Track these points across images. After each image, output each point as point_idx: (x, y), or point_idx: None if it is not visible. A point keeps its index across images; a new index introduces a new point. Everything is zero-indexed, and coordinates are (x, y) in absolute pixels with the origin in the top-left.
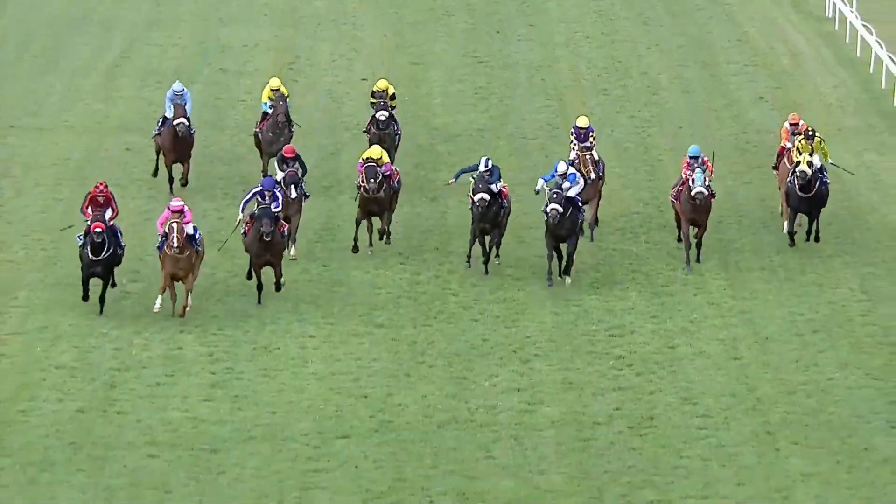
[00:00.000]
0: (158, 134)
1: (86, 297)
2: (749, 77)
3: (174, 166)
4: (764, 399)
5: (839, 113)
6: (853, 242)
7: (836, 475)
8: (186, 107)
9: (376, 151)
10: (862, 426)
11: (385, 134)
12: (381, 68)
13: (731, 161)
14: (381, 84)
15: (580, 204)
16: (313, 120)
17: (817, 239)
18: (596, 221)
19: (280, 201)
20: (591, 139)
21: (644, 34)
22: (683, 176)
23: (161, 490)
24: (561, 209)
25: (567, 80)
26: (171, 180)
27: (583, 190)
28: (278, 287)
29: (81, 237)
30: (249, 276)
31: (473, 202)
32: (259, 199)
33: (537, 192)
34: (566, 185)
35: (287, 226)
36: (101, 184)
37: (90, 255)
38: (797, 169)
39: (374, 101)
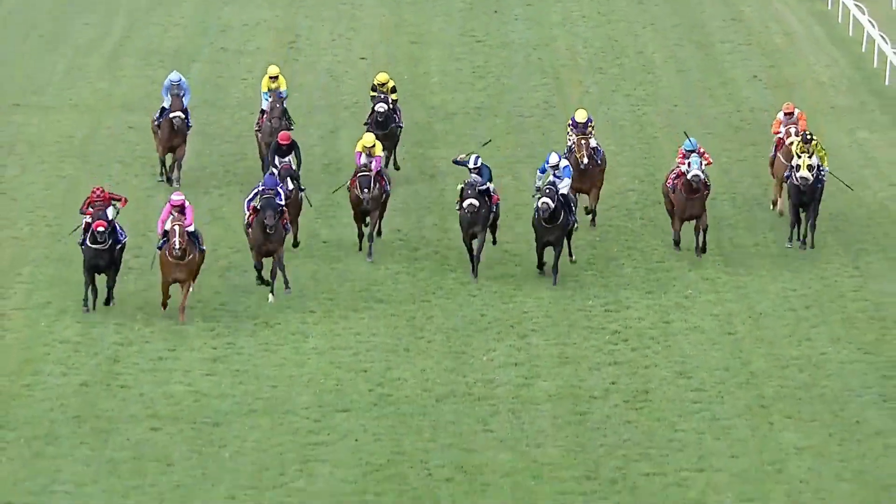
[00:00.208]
0: (157, 125)
1: (85, 304)
2: (743, 56)
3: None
4: (757, 373)
5: (832, 91)
6: (845, 219)
7: (829, 448)
8: (185, 97)
9: (370, 140)
10: (854, 400)
11: (385, 133)
12: (380, 47)
13: (725, 139)
14: (382, 77)
15: (573, 205)
16: (313, 98)
17: (810, 234)
18: (594, 211)
19: (283, 197)
20: (589, 131)
21: (639, 14)
22: (678, 169)
23: (164, 463)
24: (552, 203)
25: (563, 58)
26: (163, 170)
27: (580, 176)
28: (278, 278)
29: (82, 234)
30: (259, 279)
31: (462, 208)
32: (261, 197)
33: (538, 190)
34: (560, 182)
35: (288, 220)
36: (98, 189)
37: (91, 246)
38: (798, 175)
39: (374, 94)
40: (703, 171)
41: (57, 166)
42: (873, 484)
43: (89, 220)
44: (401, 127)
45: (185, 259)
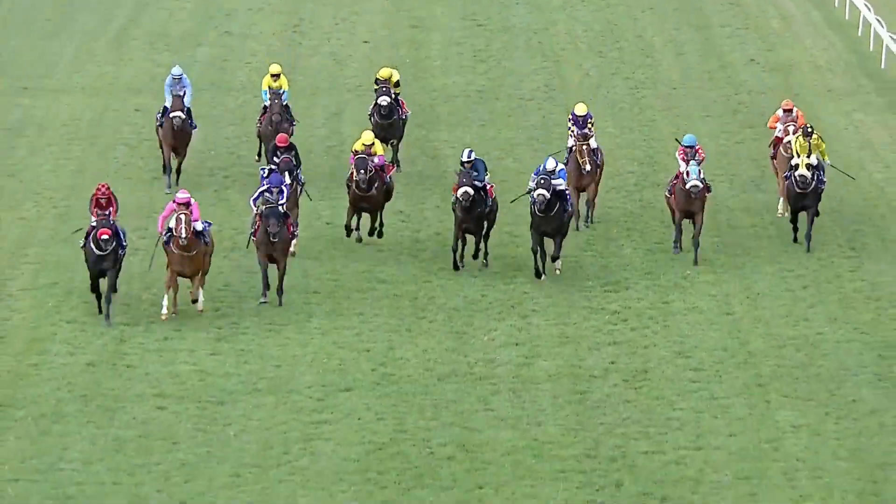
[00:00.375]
0: (160, 125)
1: (100, 306)
2: (741, 40)
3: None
4: (755, 353)
5: (828, 74)
6: (841, 200)
7: (825, 426)
8: (186, 92)
9: (368, 137)
10: (850, 379)
11: (389, 124)
12: (383, 31)
13: (723, 121)
14: (384, 72)
15: (569, 199)
16: (317, 80)
17: (805, 237)
18: (592, 211)
19: (286, 195)
20: (589, 126)
21: None
22: (680, 165)
23: (169, 441)
24: (548, 195)
25: (563, 42)
26: (166, 169)
27: (580, 176)
28: (279, 288)
29: (84, 239)
30: (265, 288)
31: (456, 197)
32: (267, 195)
33: (530, 191)
34: (556, 179)
35: (294, 229)
36: (103, 185)
37: (95, 251)
38: (797, 174)
39: (377, 87)
40: (701, 180)
41: (64, 148)
42: (869, 462)
43: (94, 224)
44: (405, 119)
45: (191, 251)
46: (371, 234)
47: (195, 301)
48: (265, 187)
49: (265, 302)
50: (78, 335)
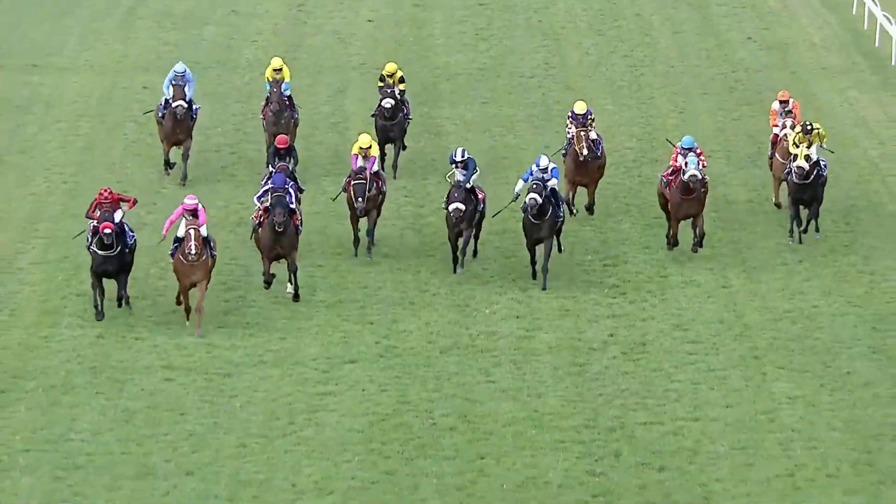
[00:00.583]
0: (162, 117)
1: (97, 310)
2: (738, 18)
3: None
4: (751, 325)
5: (823, 52)
6: (836, 176)
7: (820, 398)
8: (188, 88)
9: (366, 141)
10: (844, 351)
11: (393, 124)
12: (386, 10)
13: (720, 99)
14: (390, 67)
15: (562, 204)
16: (321, 59)
17: (817, 230)
18: (592, 208)
19: (293, 197)
20: (589, 124)
21: None
22: (673, 165)
23: (177, 412)
24: (540, 199)
25: (563, 21)
26: (168, 164)
27: (579, 169)
28: (292, 281)
29: (89, 237)
30: (267, 285)
31: (448, 211)
32: (271, 195)
33: (516, 198)
34: (549, 178)
35: (299, 221)
36: (106, 190)
37: (99, 252)
38: (794, 164)
39: (382, 85)
40: (700, 171)
41: (73, 125)
42: (863, 432)
43: (96, 224)
44: (409, 119)
45: (199, 260)
46: (369, 234)
47: (198, 311)
48: (269, 187)
49: (269, 287)
50: (87, 308)
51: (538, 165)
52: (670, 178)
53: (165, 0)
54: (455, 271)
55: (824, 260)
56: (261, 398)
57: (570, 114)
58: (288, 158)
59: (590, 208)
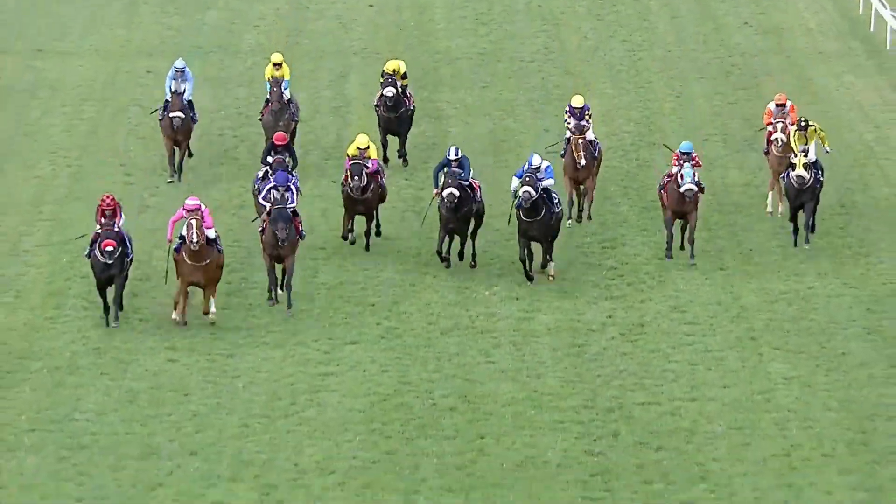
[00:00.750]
0: (161, 119)
1: (107, 309)
2: (735, 3)
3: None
4: (748, 307)
5: (820, 37)
6: (832, 160)
7: (815, 378)
8: (187, 89)
9: (363, 141)
10: (839, 332)
11: (396, 116)
12: None
13: (717, 83)
14: (392, 65)
15: (556, 201)
16: (323, 44)
17: (812, 230)
18: (586, 211)
19: (294, 195)
20: (586, 118)
21: None
22: (672, 170)
23: (180, 392)
24: (533, 192)
25: (563, 5)
26: (172, 165)
27: (575, 172)
28: (288, 285)
29: (88, 248)
30: (273, 286)
31: (442, 197)
32: (274, 193)
33: (515, 194)
34: (542, 177)
35: (301, 225)
36: (108, 197)
37: (101, 261)
38: (794, 174)
39: (382, 79)
40: (696, 185)
41: (78, 109)
42: (858, 412)
43: (98, 233)
44: (412, 111)
45: (203, 260)
46: (368, 235)
47: (206, 313)
48: (272, 185)
49: (274, 302)
50: (92, 290)
51: (530, 164)
52: (668, 179)
53: None
54: (448, 263)
55: (820, 242)
56: (263, 379)
57: (567, 108)
58: (286, 156)
59: (587, 205)
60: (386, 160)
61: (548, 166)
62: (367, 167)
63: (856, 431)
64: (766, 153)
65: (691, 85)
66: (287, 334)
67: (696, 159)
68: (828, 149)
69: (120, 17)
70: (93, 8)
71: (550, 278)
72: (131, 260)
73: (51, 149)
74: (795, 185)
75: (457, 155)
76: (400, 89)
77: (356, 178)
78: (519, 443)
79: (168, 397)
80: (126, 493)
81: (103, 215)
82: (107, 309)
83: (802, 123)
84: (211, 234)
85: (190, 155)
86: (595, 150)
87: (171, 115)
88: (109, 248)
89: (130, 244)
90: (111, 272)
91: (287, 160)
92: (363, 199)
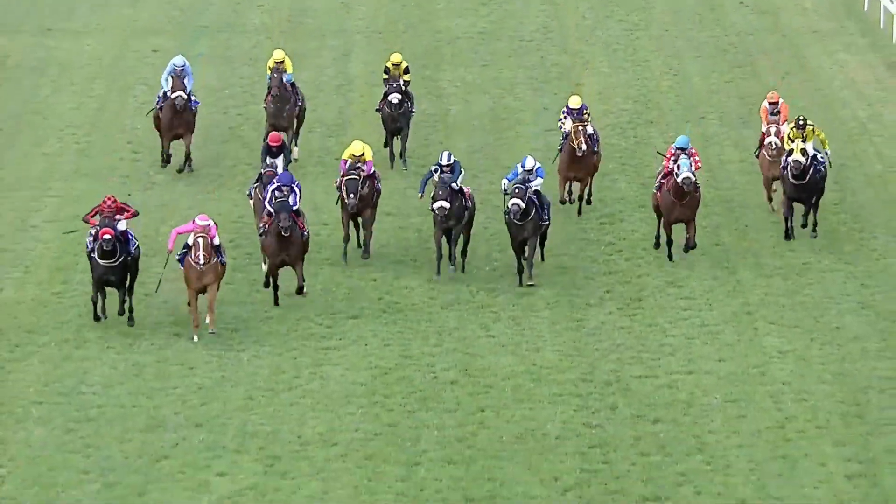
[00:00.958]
0: (159, 109)
1: (96, 318)
2: None
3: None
4: (743, 282)
5: (814, 16)
6: (827, 137)
7: (810, 352)
8: (187, 80)
9: (358, 148)
10: (833, 306)
11: (398, 114)
12: None
13: (713, 61)
14: (396, 57)
15: (547, 207)
16: (326, 23)
17: (814, 229)
18: (589, 200)
19: (298, 196)
20: (585, 116)
21: None
22: (665, 167)
23: (186, 366)
24: (522, 204)
25: None
26: (167, 159)
27: (574, 164)
28: (300, 290)
29: (89, 244)
30: (266, 284)
31: (433, 210)
32: (276, 194)
33: (506, 193)
34: (534, 179)
35: (305, 228)
36: (109, 198)
37: (100, 261)
38: (790, 159)
39: (387, 77)
40: (693, 174)
41: (86, 87)
42: (851, 386)
43: (97, 228)
44: (413, 112)
45: (209, 263)
46: (367, 245)
47: (209, 309)
48: (275, 185)
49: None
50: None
51: (524, 166)
52: (662, 180)
53: None
54: (438, 272)
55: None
56: (267, 352)
57: (564, 108)
58: (281, 156)
59: (588, 200)
60: (393, 156)
61: (539, 168)
62: (364, 173)
63: (849, 404)
64: (758, 155)
65: (688, 63)
66: (290, 309)
67: (696, 158)
68: (828, 151)
69: None
70: None
71: (531, 283)
72: (138, 254)
73: (59, 126)
74: (793, 172)
75: (449, 160)
76: (404, 91)
77: (351, 195)
78: (518, 415)
79: (173, 370)
80: (132, 464)
81: (100, 214)
82: (95, 310)
83: (801, 122)
84: (216, 241)
85: (190, 168)
86: (595, 143)
87: (173, 94)
88: (107, 236)
89: (135, 245)
90: (110, 276)
91: (278, 168)
92: (360, 211)
